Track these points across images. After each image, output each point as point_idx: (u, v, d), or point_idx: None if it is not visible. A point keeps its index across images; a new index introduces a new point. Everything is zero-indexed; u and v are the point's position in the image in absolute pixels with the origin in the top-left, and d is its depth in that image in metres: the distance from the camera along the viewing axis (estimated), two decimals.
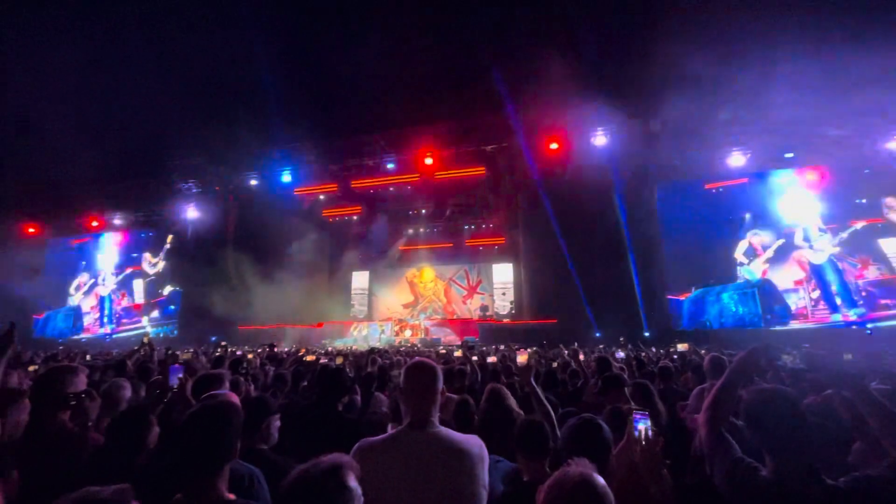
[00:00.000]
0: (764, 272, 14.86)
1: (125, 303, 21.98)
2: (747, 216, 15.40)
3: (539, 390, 2.39)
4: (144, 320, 21.42)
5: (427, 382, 1.62)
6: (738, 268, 15.25)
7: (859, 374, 1.51)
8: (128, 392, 2.81)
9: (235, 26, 17.01)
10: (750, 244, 15.27)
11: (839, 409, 1.82)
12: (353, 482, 1.07)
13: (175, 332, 20.26)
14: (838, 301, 13.85)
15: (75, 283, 22.81)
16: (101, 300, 22.29)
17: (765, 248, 15.03)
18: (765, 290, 14.56)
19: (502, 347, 10.42)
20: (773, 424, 1.41)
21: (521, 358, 2.59)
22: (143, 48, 17.07)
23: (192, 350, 10.07)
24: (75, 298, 22.61)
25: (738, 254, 15.32)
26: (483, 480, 1.52)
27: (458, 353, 8.20)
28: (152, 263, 22.02)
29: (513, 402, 2.87)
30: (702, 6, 13.15)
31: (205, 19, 16.43)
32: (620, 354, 6.97)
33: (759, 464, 1.42)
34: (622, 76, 14.65)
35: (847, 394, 1.50)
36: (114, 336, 21.17)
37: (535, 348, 9.57)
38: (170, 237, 21.68)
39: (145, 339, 5.74)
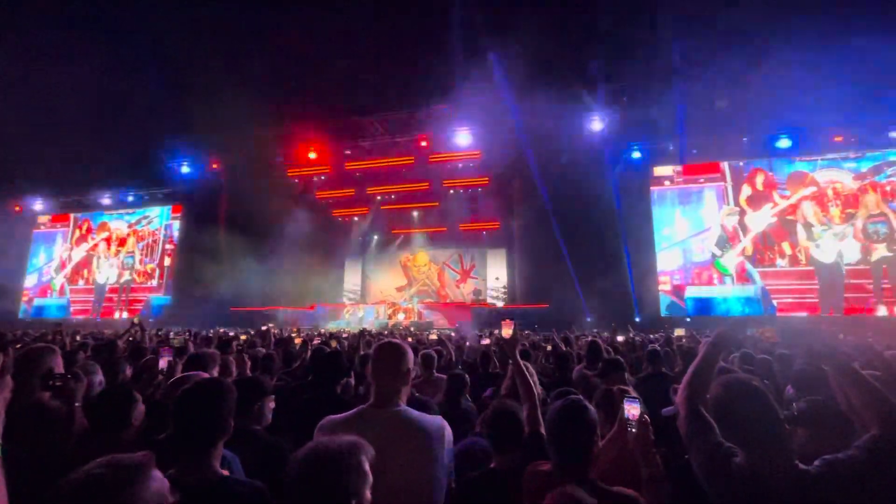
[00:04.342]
0: (741, 265, 15.04)
1: (113, 283, 21.81)
2: (741, 200, 15.46)
3: (524, 366, 2.13)
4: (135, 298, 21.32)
5: (394, 362, 1.64)
6: (714, 262, 15.32)
7: (849, 354, 1.50)
8: (98, 376, 2.68)
9: (229, 4, 16.54)
10: (722, 229, 15.34)
11: (833, 388, 1.78)
12: (366, 465, 1.07)
13: (164, 312, 20.15)
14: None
15: (56, 263, 22.57)
16: (94, 281, 22.10)
17: (740, 233, 15.11)
18: (763, 294, 14.90)
19: (497, 332, 10.41)
20: (741, 420, 1.38)
21: (506, 330, 2.37)
22: (132, 26, 16.59)
23: (184, 332, 10.02)
24: (57, 281, 22.42)
25: (712, 245, 15.41)
26: (442, 462, 1.52)
27: (432, 336, 8.12)
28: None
29: None
30: None
31: None
32: (621, 338, 7.05)
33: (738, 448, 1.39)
34: (617, 61, 14.51)
35: (826, 367, 1.49)
36: (111, 318, 21.04)
37: (527, 332, 9.61)
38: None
39: (136, 320, 5.70)
